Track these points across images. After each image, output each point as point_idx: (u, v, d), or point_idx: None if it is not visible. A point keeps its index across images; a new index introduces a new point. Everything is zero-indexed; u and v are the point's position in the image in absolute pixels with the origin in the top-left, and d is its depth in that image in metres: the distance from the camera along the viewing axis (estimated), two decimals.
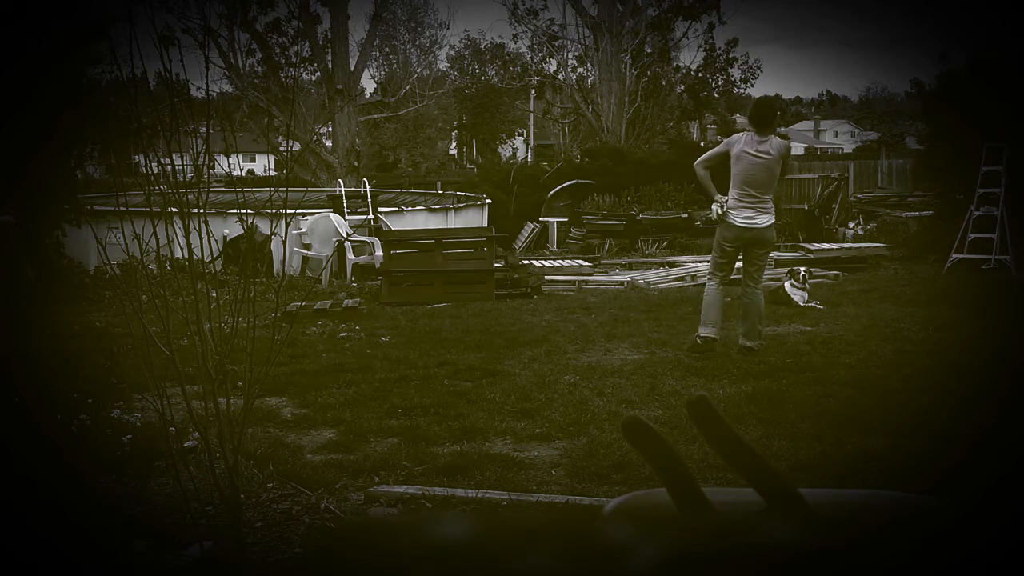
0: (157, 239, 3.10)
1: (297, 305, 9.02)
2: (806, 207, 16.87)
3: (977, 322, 7.93)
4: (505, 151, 45.29)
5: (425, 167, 35.73)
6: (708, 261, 13.22)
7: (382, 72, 39.20)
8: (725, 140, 6.73)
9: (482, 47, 43.51)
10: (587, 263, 13.52)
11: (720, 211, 6.51)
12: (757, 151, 6.42)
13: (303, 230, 12.71)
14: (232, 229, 11.73)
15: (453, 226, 15.23)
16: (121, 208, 3.00)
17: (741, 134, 6.59)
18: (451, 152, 45.12)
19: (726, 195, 6.55)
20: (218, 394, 2.96)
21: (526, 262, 12.51)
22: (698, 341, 6.61)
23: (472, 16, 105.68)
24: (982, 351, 6.70)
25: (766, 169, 6.45)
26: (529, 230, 18.25)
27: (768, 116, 6.65)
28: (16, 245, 6.16)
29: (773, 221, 6.58)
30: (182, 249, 3.05)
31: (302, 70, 24.60)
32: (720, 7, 27.22)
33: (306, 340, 7.86)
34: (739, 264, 6.82)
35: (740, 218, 6.46)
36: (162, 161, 3.16)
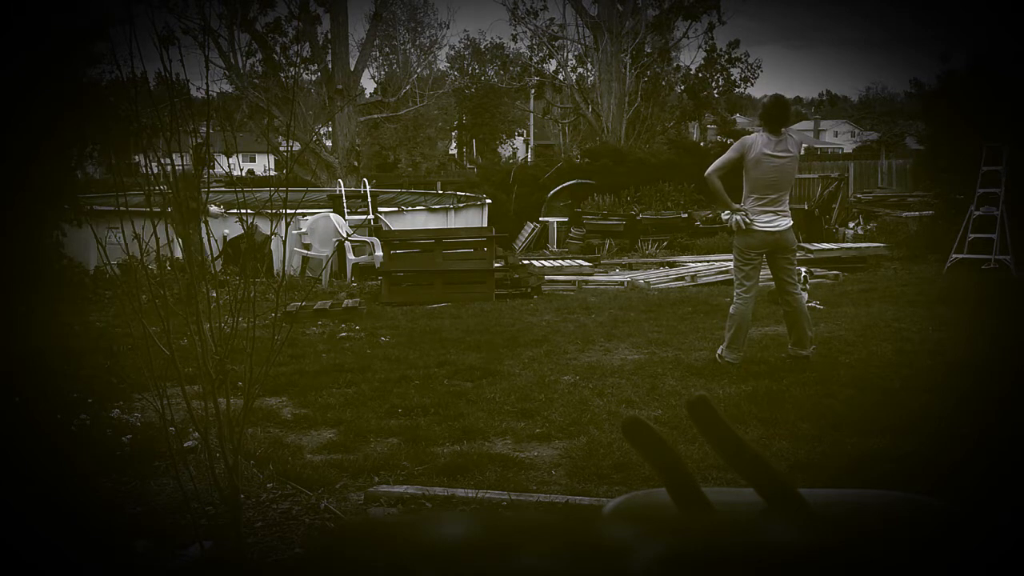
0: (157, 239, 3.11)
1: (297, 305, 9.02)
2: (806, 207, 16.87)
3: (977, 322, 7.93)
4: (505, 151, 45.33)
5: (425, 167, 35.76)
6: (707, 261, 13.34)
7: (382, 72, 39.23)
8: (736, 144, 6.30)
9: (482, 47, 43.55)
10: (587, 263, 13.52)
11: (745, 223, 6.15)
12: (776, 152, 6.13)
13: (303, 230, 12.71)
14: (232, 229, 11.74)
15: (453, 226, 15.23)
16: (121, 208, 3.00)
17: (753, 136, 6.24)
18: (451, 152, 45.14)
19: (737, 202, 6.25)
20: (218, 394, 2.96)
21: (526, 262, 12.51)
22: (719, 361, 6.33)
23: (472, 16, 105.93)
24: (982, 351, 6.70)
25: (788, 170, 6.22)
26: (529, 230, 18.25)
27: (784, 115, 6.34)
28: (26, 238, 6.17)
29: (792, 223, 6.32)
30: (182, 249, 3.05)
31: (302, 70, 24.59)
32: (720, 7, 27.25)
33: (306, 340, 7.86)
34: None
35: (762, 223, 6.16)
36: (162, 161, 3.16)
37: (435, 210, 16.17)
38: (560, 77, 29.02)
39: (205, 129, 3.26)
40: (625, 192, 18.32)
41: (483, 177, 21.91)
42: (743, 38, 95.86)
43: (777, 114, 6.29)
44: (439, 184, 23.63)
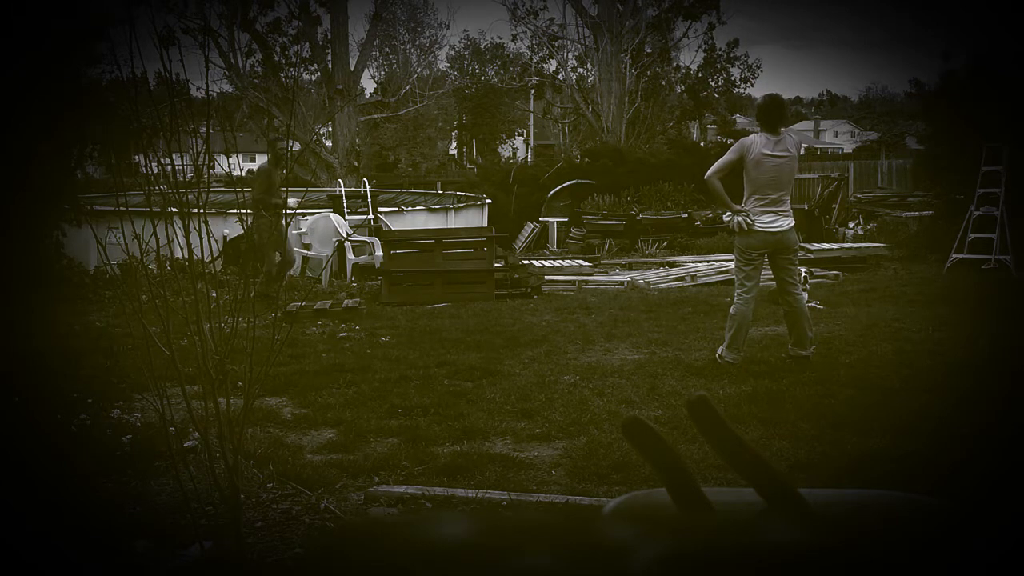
0: (157, 239, 3.10)
1: (297, 305, 9.02)
2: (806, 207, 16.88)
3: (977, 322, 7.93)
4: (505, 151, 45.33)
5: (425, 167, 35.78)
6: (707, 261, 13.33)
7: (382, 72, 39.24)
8: (736, 146, 6.31)
9: (482, 47, 43.58)
10: (587, 263, 13.52)
11: (747, 223, 6.15)
12: (776, 151, 6.13)
13: (303, 230, 12.71)
14: (232, 229, 11.74)
15: (453, 226, 15.23)
16: (121, 208, 3.00)
17: (752, 137, 6.24)
18: (451, 152, 45.15)
19: (737, 203, 6.24)
20: (218, 394, 2.96)
21: (526, 262, 12.51)
22: (719, 361, 6.33)
23: (472, 16, 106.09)
24: (982, 351, 6.70)
25: (788, 169, 6.22)
26: (529, 230, 18.25)
27: (779, 114, 6.33)
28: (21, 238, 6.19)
29: (794, 223, 6.31)
30: (182, 249, 3.05)
31: (302, 70, 24.60)
32: (720, 7, 27.28)
33: (306, 340, 7.86)
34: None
35: (764, 223, 6.16)
36: (162, 161, 3.16)
37: (435, 210, 16.18)
38: (560, 77, 29.05)
39: (205, 129, 3.26)
40: (625, 192, 18.32)
41: (483, 177, 21.92)
42: (743, 38, 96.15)
43: (774, 114, 6.29)
44: (439, 184, 23.64)
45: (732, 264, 6.66)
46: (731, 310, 6.33)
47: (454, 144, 46.31)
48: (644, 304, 9.58)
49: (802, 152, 6.53)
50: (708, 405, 1.19)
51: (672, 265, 13.59)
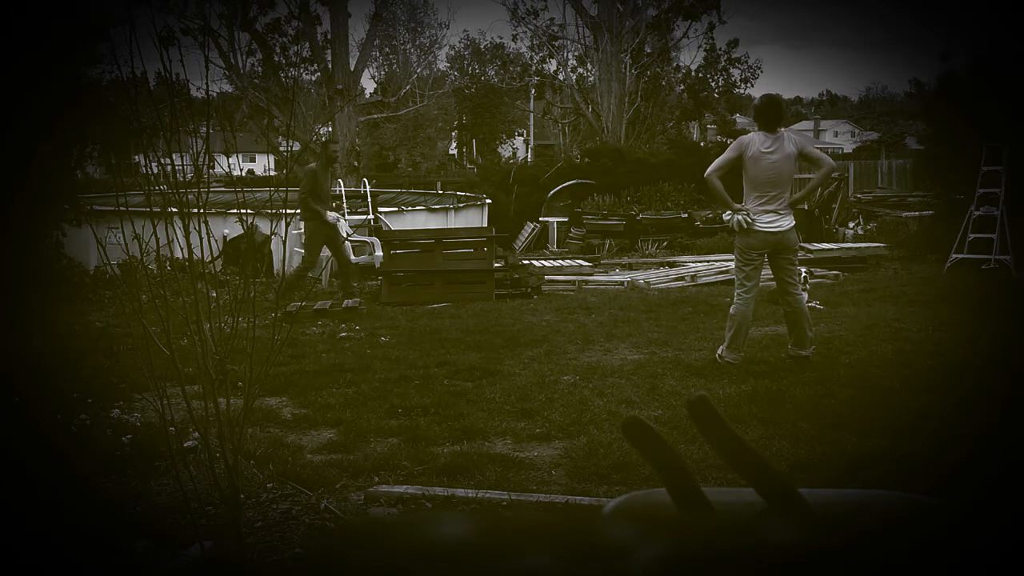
0: (157, 239, 3.10)
1: (297, 305, 9.02)
2: (806, 207, 16.86)
3: (977, 322, 7.93)
4: (505, 151, 45.36)
5: (425, 167, 35.81)
6: (707, 261, 13.33)
7: (382, 72, 39.25)
8: (734, 144, 6.33)
9: (482, 47, 43.60)
10: (587, 263, 13.52)
11: (747, 222, 6.15)
12: (773, 149, 6.15)
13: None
14: (232, 229, 11.74)
15: (453, 226, 15.23)
16: (121, 208, 3.00)
17: (751, 136, 6.26)
18: (451, 152, 45.16)
19: (738, 202, 6.25)
20: (218, 394, 2.96)
21: (526, 262, 12.50)
22: (719, 361, 6.33)
23: (472, 16, 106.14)
24: (982, 351, 6.70)
25: (786, 167, 6.22)
26: (529, 230, 18.25)
27: (775, 114, 6.32)
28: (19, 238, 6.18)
29: (794, 223, 6.31)
30: (182, 249, 3.05)
31: (302, 70, 24.62)
32: (720, 7, 27.28)
33: (306, 340, 7.86)
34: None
35: (764, 223, 6.16)
36: (162, 161, 3.16)
37: (435, 210, 16.17)
38: (560, 77, 29.05)
39: (205, 129, 3.26)
40: (625, 192, 18.32)
41: (483, 177, 21.92)
42: (743, 38, 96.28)
43: (771, 113, 6.30)
44: (439, 184, 23.64)
45: (732, 264, 6.65)
46: (731, 310, 6.33)
47: (454, 144, 46.34)
48: (644, 304, 9.57)
49: (805, 152, 6.51)
50: (708, 405, 1.19)
51: (672, 265, 13.59)
